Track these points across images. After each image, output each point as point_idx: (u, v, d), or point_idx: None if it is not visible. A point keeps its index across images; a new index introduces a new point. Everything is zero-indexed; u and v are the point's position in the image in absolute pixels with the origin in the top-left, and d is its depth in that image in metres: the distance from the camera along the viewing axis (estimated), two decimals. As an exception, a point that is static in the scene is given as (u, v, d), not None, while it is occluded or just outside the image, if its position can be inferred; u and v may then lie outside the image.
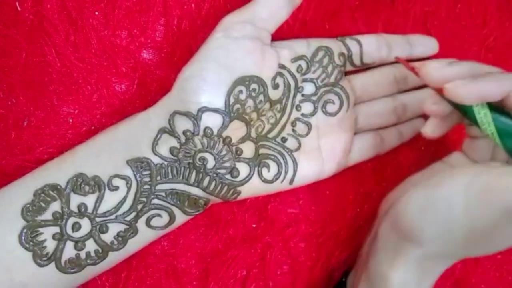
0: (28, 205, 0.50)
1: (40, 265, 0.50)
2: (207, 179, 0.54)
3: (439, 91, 0.51)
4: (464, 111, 0.51)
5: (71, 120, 0.59)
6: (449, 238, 0.49)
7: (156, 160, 0.53)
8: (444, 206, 0.48)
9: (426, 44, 0.64)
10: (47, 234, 0.51)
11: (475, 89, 0.49)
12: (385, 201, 0.58)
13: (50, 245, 0.51)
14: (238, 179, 0.56)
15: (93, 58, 0.59)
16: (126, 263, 0.57)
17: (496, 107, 0.50)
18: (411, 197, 0.51)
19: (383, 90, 0.64)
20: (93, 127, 0.59)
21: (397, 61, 0.60)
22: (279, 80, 0.57)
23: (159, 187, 0.53)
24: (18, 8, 0.57)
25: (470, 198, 0.46)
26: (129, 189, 0.52)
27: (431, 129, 0.56)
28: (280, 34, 0.61)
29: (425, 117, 0.65)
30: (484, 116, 0.50)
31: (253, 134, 0.57)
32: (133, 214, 0.53)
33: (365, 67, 0.63)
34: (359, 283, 0.58)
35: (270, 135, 0.58)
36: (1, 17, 0.57)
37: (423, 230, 0.50)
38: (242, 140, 0.56)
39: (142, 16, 0.59)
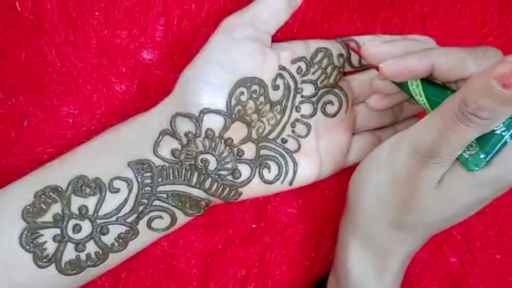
0: (28, 207, 0.50)
1: (40, 267, 0.50)
2: (208, 181, 0.54)
3: (378, 69, 0.53)
4: (400, 85, 0.54)
5: (71, 120, 0.59)
6: (379, 197, 0.53)
7: (157, 161, 0.53)
8: (374, 164, 0.54)
9: (424, 44, 0.64)
10: (47, 236, 0.50)
11: (402, 67, 0.51)
12: None
13: (51, 247, 0.51)
14: (239, 180, 0.56)
15: (93, 58, 0.59)
16: (126, 263, 0.57)
17: (430, 80, 0.53)
18: (356, 169, 0.56)
19: None
20: (93, 127, 0.59)
21: (343, 43, 0.61)
22: (279, 81, 0.57)
23: (160, 188, 0.53)
24: (18, 8, 0.57)
25: (392, 148, 0.53)
26: (130, 191, 0.52)
27: (373, 101, 0.59)
28: (280, 35, 0.61)
29: (418, 114, 0.66)
30: (416, 88, 0.53)
31: (254, 135, 0.57)
32: (134, 216, 0.52)
33: (363, 68, 0.63)
34: (329, 276, 0.61)
35: (271, 136, 0.58)
36: (1, 17, 0.57)
37: (360, 190, 0.55)
38: (243, 141, 0.56)
39: (142, 16, 0.59)
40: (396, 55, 0.52)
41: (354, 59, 0.62)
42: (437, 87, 0.52)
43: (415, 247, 0.56)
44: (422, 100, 0.53)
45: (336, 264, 0.59)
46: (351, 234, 0.57)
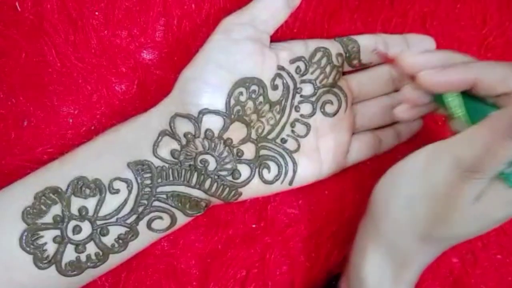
0: (28, 208, 0.50)
1: (41, 268, 0.50)
2: (208, 181, 0.54)
3: (413, 79, 0.53)
4: (436, 96, 0.54)
5: (71, 120, 0.59)
6: (412, 209, 0.52)
7: (157, 162, 0.53)
8: (406, 175, 0.53)
9: (423, 43, 0.64)
10: (47, 237, 0.50)
11: (443, 79, 0.51)
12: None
13: (51, 248, 0.51)
14: (239, 180, 0.56)
15: (93, 58, 0.59)
16: (126, 263, 0.57)
17: (467, 94, 0.52)
18: (382, 178, 0.55)
19: (380, 89, 0.64)
20: (93, 127, 0.59)
21: (376, 53, 0.60)
22: (278, 81, 0.57)
23: (160, 189, 0.53)
24: (18, 8, 0.57)
25: (428, 159, 0.52)
26: (130, 191, 0.52)
27: (402, 111, 0.58)
28: (280, 35, 0.61)
29: (422, 116, 0.66)
30: (453, 100, 0.52)
31: (254, 136, 0.57)
32: (134, 216, 0.52)
33: (362, 67, 0.63)
34: (341, 283, 0.60)
35: (270, 136, 0.58)
36: (1, 17, 0.57)
37: (388, 201, 0.53)
38: (243, 141, 0.56)
39: (142, 16, 0.59)
40: (434, 66, 0.52)
41: (353, 58, 0.62)
42: (476, 102, 0.52)
43: (433, 258, 0.56)
44: (461, 113, 0.52)
45: (350, 271, 0.58)
46: (372, 242, 0.56)
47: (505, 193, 0.49)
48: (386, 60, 0.57)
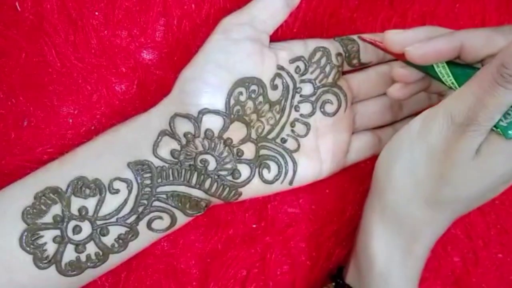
0: (28, 208, 0.50)
1: (41, 268, 0.50)
2: (208, 181, 0.54)
3: (401, 57, 0.54)
4: (425, 70, 0.55)
5: (71, 120, 0.59)
6: (413, 173, 0.53)
7: (157, 162, 0.53)
8: (405, 141, 0.54)
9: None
10: (47, 237, 0.51)
11: (431, 49, 0.52)
12: None
13: (51, 248, 0.51)
14: (239, 180, 0.56)
15: (93, 58, 0.59)
16: (126, 263, 0.57)
17: (453, 63, 0.54)
18: (381, 152, 0.56)
19: (379, 89, 0.64)
20: (93, 127, 0.59)
21: (361, 39, 0.61)
22: (277, 81, 0.57)
23: (160, 189, 0.53)
24: (18, 8, 0.57)
25: (424, 122, 0.53)
26: (130, 191, 0.52)
27: (395, 90, 0.58)
28: (280, 34, 0.61)
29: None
30: (442, 69, 0.54)
31: (254, 135, 0.57)
32: (134, 216, 0.53)
33: (362, 67, 0.63)
34: (349, 264, 0.60)
35: (270, 136, 0.58)
36: (1, 17, 0.57)
37: (389, 171, 0.54)
38: (243, 141, 0.56)
39: (142, 16, 0.59)
40: (420, 40, 0.53)
41: (353, 58, 0.62)
42: (464, 67, 0.53)
43: (443, 228, 0.56)
44: (450, 80, 0.53)
45: (358, 252, 0.58)
46: (378, 218, 0.56)
47: (504, 146, 0.49)
48: (373, 44, 0.58)
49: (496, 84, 0.47)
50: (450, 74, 0.53)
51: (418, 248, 0.55)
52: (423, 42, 0.53)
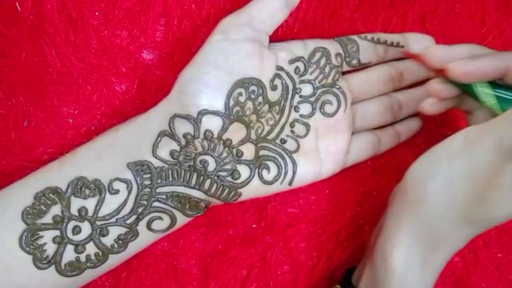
0: (28, 208, 0.50)
1: (40, 268, 0.50)
2: (208, 182, 0.54)
3: (440, 72, 0.55)
4: (464, 88, 0.55)
5: (71, 120, 0.59)
6: (451, 190, 0.51)
7: (156, 163, 0.53)
8: (445, 156, 0.52)
9: (422, 42, 0.65)
10: (47, 238, 0.51)
11: (475, 67, 0.52)
12: (395, 188, 0.58)
13: (50, 248, 0.51)
14: (239, 181, 0.56)
15: (93, 58, 0.59)
16: (126, 263, 0.57)
17: (494, 83, 0.54)
18: (416, 161, 0.54)
19: (379, 89, 0.64)
20: (93, 128, 0.59)
21: (405, 55, 0.62)
22: (277, 81, 0.57)
23: (159, 190, 0.53)
24: (18, 8, 0.57)
25: (468, 141, 0.50)
26: (129, 192, 0.52)
27: (429, 105, 0.59)
28: (280, 34, 0.61)
29: (421, 116, 0.66)
30: (484, 89, 0.53)
31: (253, 136, 0.57)
32: (134, 217, 0.53)
33: (362, 67, 0.63)
34: (364, 273, 0.59)
35: (270, 137, 0.58)
36: (1, 17, 0.57)
37: (426, 183, 0.52)
38: (242, 142, 0.56)
39: (142, 16, 0.59)
40: (462, 57, 0.53)
41: (352, 58, 0.62)
42: (506, 89, 0.53)
43: (465, 242, 0.55)
44: (492, 101, 0.53)
45: (376, 260, 0.57)
46: (404, 227, 0.55)
47: None
48: (413, 57, 0.58)
49: None
50: (493, 95, 0.53)
51: (436, 260, 0.54)
52: (467, 59, 0.53)
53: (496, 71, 0.52)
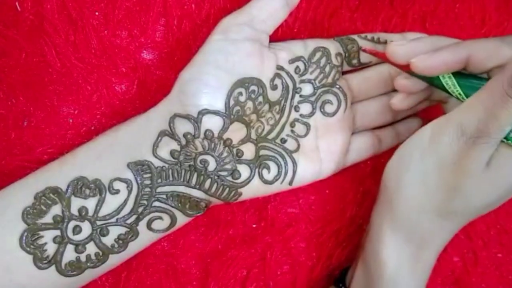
0: (28, 208, 0.50)
1: (40, 268, 0.50)
2: (208, 181, 0.54)
3: (405, 68, 0.55)
4: (430, 81, 0.55)
5: (71, 121, 0.59)
6: (424, 183, 0.52)
7: (156, 162, 0.53)
8: (415, 149, 0.53)
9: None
10: (47, 237, 0.51)
11: (438, 60, 0.52)
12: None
13: (51, 248, 0.51)
14: (239, 180, 0.56)
15: (93, 58, 0.58)
16: (127, 263, 0.57)
17: (459, 73, 0.54)
18: (392, 157, 0.56)
19: (379, 89, 0.64)
20: (93, 128, 0.59)
21: (362, 50, 0.61)
22: (277, 81, 0.57)
23: (160, 189, 0.53)
24: (18, 8, 0.57)
25: (434, 132, 0.52)
26: (130, 192, 0.52)
27: (398, 101, 0.59)
28: (280, 34, 0.61)
29: (421, 116, 0.66)
30: (448, 80, 0.54)
31: (253, 136, 0.57)
32: (134, 217, 0.52)
33: (362, 67, 0.63)
34: (356, 272, 0.59)
35: (270, 137, 0.58)
36: (1, 17, 0.57)
37: (400, 180, 0.54)
38: (243, 141, 0.56)
39: (142, 16, 0.59)
40: (425, 51, 0.53)
41: (353, 58, 0.62)
42: (470, 77, 0.54)
43: (451, 235, 0.56)
44: (457, 91, 0.54)
45: (367, 259, 0.58)
46: (388, 225, 0.56)
47: None
48: (376, 55, 0.58)
49: (507, 96, 0.47)
50: (457, 85, 0.54)
51: (427, 255, 0.55)
52: (429, 53, 0.53)
53: (458, 62, 0.52)
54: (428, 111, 0.63)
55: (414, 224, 0.54)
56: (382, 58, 0.57)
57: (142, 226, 0.53)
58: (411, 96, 0.59)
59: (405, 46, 0.55)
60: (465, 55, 0.52)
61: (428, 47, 0.54)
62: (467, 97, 0.53)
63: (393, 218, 0.55)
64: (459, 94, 0.53)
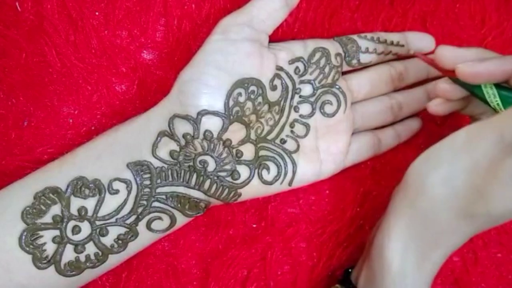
0: (28, 208, 0.50)
1: (40, 268, 0.50)
2: (207, 182, 0.54)
3: (450, 73, 0.56)
4: (472, 89, 0.56)
5: (71, 121, 0.59)
6: (451, 184, 0.51)
7: (156, 163, 0.53)
8: (447, 151, 0.52)
9: (422, 41, 0.65)
10: (47, 237, 0.51)
11: (484, 69, 0.54)
12: (398, 185, 0.58)
13: (50, 248, 0.51)
14: (238, 181, 0.56)
15: (93, 58, 0.59)
16: (127, 263, 0.57)
17: (501, 86, 0.56)
18: (419, 156, 0.55)
19: (379, 89, 0.64)
20: (93, 128, 0.59)
21: (415, 56, 0.62)
22: (277, 82, 0.57)
23: (159, 190, 0.53)
24: (18, 8, 0.57)
25: (470, 137, 0.51)
26: (129, 192, 0.52)
27: (435, 105, 0.60)
28: (280, 34, 0.61)
29: (421, 116, 0.66)
30: (490, 90, 0.55)
31: (253, 136, 0.57)
32: (134, 217, 0.52)
33: (361, 67, 0.63)
34: (362, 270, 0.59)
35: (270, 137, 0.58)
36: (1, 17, 0.57)
37: (426, 178, 0.53)
38: (242, 142, 0.56)
39: (142, 16, 0.59)
40: (471, 59, 0.55)
41: (352, 58, 0.62)
42: (510, 92, 0.55)
43: (465, 240, 0.55)
44: (496, 101, 0.55)
45: (373, 255, 0.57)
46: (405, 220, 0.55)
47: None
48: (425, 60, 0.59)
49: None
50: (497, 96, 0.55)
51: (436, 255, 0.54)
52: (476, 61, 0.54)
53: (502, 74, 0.53)
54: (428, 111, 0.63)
55: (432, 224, 0.53)
56: (427, 61, 0.58)
57: (141, 226, 0.53)
58: (448, 102, 0.59)
59: (453, 51, 0.56)
60: (511, 68, 0.53)
61: (474, 56, 0.55)
62: (505, 109, 0.54)
63: (413, 215, 0.54)
64: (498, 104, 0.55)
